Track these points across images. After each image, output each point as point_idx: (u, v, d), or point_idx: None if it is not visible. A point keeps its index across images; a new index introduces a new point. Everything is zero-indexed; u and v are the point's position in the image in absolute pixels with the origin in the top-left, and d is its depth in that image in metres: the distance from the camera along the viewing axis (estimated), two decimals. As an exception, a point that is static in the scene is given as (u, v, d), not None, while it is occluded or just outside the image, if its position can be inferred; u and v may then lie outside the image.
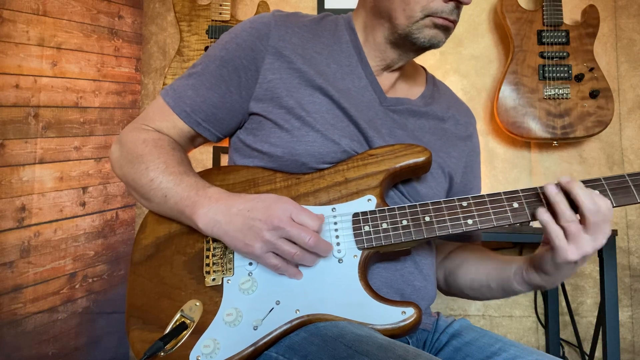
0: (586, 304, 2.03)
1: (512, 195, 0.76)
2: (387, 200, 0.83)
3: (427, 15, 0.81)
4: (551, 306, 1.97)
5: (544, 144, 2.07)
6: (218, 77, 0.85)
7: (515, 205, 0.75)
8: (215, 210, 0.74)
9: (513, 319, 2.06)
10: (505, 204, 0.76)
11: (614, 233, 1.63)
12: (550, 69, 1.92)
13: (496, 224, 0.75)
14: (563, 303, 2.00)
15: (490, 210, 0.76)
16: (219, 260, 0.77)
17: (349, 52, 0.90)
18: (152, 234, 0.82)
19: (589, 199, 0.69)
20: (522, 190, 0.76)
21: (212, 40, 2.03)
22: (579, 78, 1.91)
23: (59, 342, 1.75)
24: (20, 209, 1.61)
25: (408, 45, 0.86)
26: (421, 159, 0.81)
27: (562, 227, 0.70)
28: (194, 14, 2.06)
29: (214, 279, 0.76)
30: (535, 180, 2.08)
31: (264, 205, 0.72)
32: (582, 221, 0.70)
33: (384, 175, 0.80)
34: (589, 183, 0.75)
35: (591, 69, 1.92)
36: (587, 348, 1.94)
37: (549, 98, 1.91)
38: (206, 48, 2.03)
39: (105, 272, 1.98)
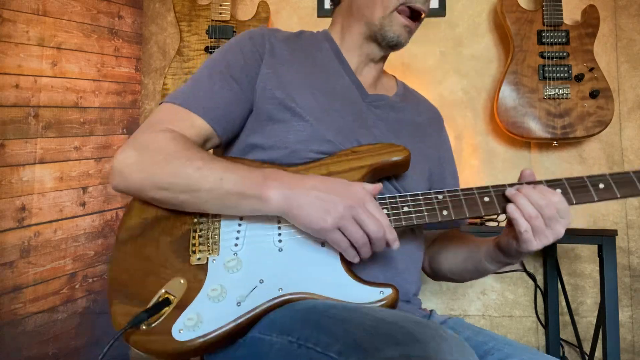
0: (586, 304, 2.03)
1: (483, 191, 0.83)
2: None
3: (402, 4, 0.92)
4: (551, 306, 1.97)
5: (544, 144, 2.07)
6: (228, 77, 0.88)
7: (486, 199, 0.82)
8: (288, 185, 0.74)
9: (513, 319, 2.06)
10: (477, 198, 0.82)
11: (614, 233, 1.63)
12: (550, 69, 1.92)
13: (469, 215, 0.81)
14: (563, 303, 2.00)
15: (464, 203, 0.82)
16: (205, 241, 0.78)
17: (329, 57, 0.99)
18: (139, 214, 0.82)
19: (538, 195, 0.77)
20: (493, 186, 0.83)
21: (212, 40, 2.03)
22: (579, 78, 1.91)
23: (59, 342, 1.75)
24: (20, 209, 1.61)
25: (377, 41, 0.97)
26: (400, 157, 0.86)
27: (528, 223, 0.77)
28: (194, 14, 2.06)
29: (199, 258, 0.77)
30: (535, 180, 2.07)
31: (342, 184, 0.75)
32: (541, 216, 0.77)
33: (366, 170, 0.84)
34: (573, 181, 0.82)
35: (591, 69, 1.92)
36: (587, 348, 1.94)
37: (549, 98, 1.91)
38: (206, 48, 2.03)
39: (105, 272, 1.98)
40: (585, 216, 2.06)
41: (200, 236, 0.79)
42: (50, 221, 1.72)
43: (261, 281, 0.74)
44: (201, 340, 0.69)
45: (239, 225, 0.80)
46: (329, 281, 0.75)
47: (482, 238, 0.96)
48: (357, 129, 0.91)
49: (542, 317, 2.03)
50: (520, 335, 2.04)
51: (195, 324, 0.70)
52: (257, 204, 0.75)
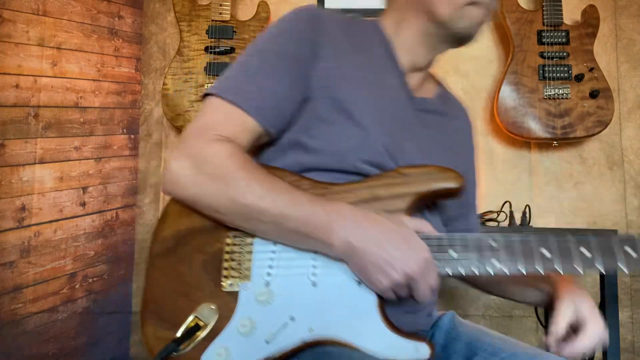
0: (586, 304, 2.03)
1: (544, 241, 0.73)
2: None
3: (469, 3, 0.83)
4: (551, 306, 1.97)
5: (544, 144, 2.07)
6: (281, 69, 0.81)
7: (547, 254, 0.72)
8: (353, 233, 0.70)
9: (513, 319, 2.06)
10: (534, 251, 0.72)
11: (614, 233, 1.63)
12: (550, 69, 1.92)
13: (526, 272, 0.72)
14: (563, 303, 2.00)
15: (521, 255, 0.72)
16: (238, 266, 0.75)
17: (382, 52, 0.90)
18: (173, 226, 0.79)
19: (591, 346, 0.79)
20: (556, 236, 0.73)
21: (212, 40, 2.03)
22: (579, 78, 1.91)
23: (59, 342, 1.75)
24: (20, 209, 1.61)
25: (442, 36, 0.89)
26: (454, 185, 0.78)
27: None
28: (194, 14, 2.06)
29: (231, 284, 0.74)
30: (535, 181, 2.08)
31: (407, 244, 0.70)
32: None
33: (413, 198, 0.77)
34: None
35: (591, 69, 1.92)
36: (587, 348, 1.94)
37: (549, 98, 1.91)
38: (206, 48, 2.03)
39: (105, 272, 1.98)
40: (585, 216, 2.06)
41: (232, 259, 0.76)
42: (50, 221, 1.72)
43: (292, 318, 0.71)
44: None
45: (273, 252, 0.76)
46: (362, 328, 0.71)
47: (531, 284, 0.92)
48: (402, 132, 0.85)
49: (542, 317, 2.03)
50: (521, 335, 2.04)
51: (224, 359, 0.70)
52: (319, 246, 0.73)
